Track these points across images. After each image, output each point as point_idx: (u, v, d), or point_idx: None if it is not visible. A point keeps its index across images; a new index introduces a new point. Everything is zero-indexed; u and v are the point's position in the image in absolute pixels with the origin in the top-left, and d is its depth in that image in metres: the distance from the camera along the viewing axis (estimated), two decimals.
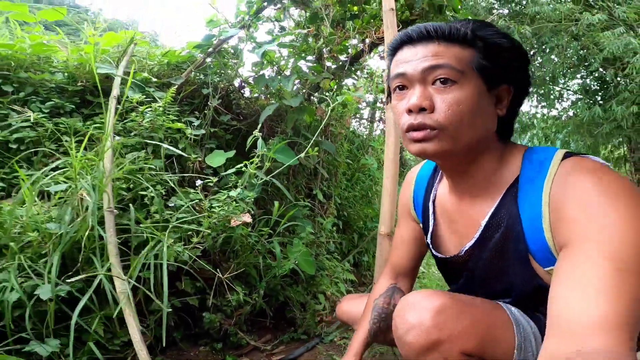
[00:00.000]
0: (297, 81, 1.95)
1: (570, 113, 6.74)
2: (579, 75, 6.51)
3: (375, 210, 2.60)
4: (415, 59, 0.61)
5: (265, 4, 1.96)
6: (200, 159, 1.65)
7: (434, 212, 0.78)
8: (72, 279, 1.01)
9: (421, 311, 0.62)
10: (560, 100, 7.32)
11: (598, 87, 6.38)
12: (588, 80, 6.45)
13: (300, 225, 1.75)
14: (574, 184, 0.55)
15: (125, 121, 1.53)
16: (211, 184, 1.46)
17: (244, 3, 1.99)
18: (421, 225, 0.84)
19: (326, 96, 1.88)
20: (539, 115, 7.41)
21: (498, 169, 0.65)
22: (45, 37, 1.78)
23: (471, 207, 0.69)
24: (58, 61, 1.70)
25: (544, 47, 6.19)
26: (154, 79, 1.72)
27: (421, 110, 0.60)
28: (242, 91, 2.00)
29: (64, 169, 1.27)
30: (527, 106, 7.59)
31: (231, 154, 1.65)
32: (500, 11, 5.97)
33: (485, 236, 0.66)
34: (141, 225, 1.23)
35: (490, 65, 0.61)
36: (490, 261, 0.67)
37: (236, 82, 2.04)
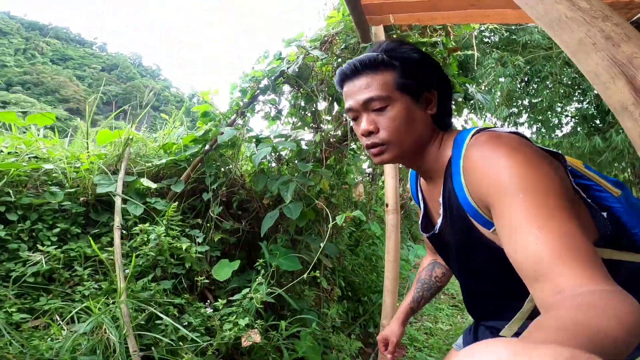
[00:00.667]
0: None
1: (571, 140, 6.57)
2: (575, 101, 6.54)
3: (380, 277, 2.68)
4: (354, 93, 0.75)
5: (258, 91, 2.01)
6: (207, 270, 1.71)
7: (423, 198, 0.90)
8: None
9: None
10: (560, 127, 7.26)
11: (595, 112, 6.40)
12: (585, 105, 6.47)
13: (307, 318, 1.83)
14: (471, 156, 0.65)
15: (130, 241, 1.58)
16: (219, 307, 1.52)
17: (237, 90, 2.03)
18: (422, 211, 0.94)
19: (328, 194, 1.94)
20: (538, 140, 7.24)
21: (439, 155, 0.77)
22: (42, 140, 1.80)
23: (434, 189, 0.81)
24: (57, 172, 1.71)
25: (538, 75, 6.19)
26: (153, 186, 1.76)
27: (370, 132, 0.74)
28: (241, 187, 2.04)
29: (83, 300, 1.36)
30: (527, 133, 7.47)
31: (236, 265, 1.71)
32: (492, 38, 5.87)
33: (446, 212, 0.76)
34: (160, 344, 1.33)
35: (409, 81, 0.73)
36: (456, 234, 0.75)
37: (236, 172, 2.09)
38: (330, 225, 1.72)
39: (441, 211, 0.77)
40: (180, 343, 1.41)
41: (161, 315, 1.40)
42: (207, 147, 1.97)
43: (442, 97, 0.78)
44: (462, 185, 0.67)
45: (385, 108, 0.73)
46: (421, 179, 0.90)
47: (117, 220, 1.49)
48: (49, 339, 1.27)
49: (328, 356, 1.97)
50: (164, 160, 1.93)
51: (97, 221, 1.66)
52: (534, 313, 0.73)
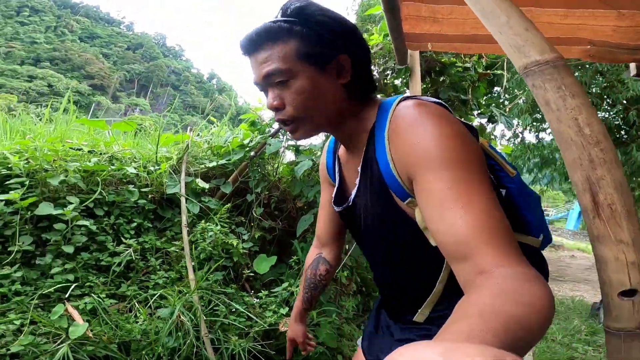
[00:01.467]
0: None
1: None
2: (602, 110, 6.36)
3: None
4: (255, 67, 0.69)
5: None
6: (248, 263, 2.03)
7: (339, 170, 0.86)
8: None
9: None
10: None
11: (621, 124, 6.34)
12: (612, 116, 6.34)
13: (328, 310, 2.14)
14: (398, 123, 0.62)
15: (190, 235, 1.90)
16: (262, 297, 1.84)
17: None
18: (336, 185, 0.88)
19: None
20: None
21: (360, 124, 0.72)
22: (119, 144, 2.13)
23: (353, 158, 0.78)
24: (132, 171, 2.04)
25: None
26: (206, 186, 2.07)
27: (277, 108, 0.69)
28: (276, 189, 2.34)
29: (157, 287, 1.69)
30: (549, 139, 7.49)
31: (273, 260, 2.02)
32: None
33: (362, 182, 0.73)
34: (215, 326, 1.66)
35: (314, 50, 0.66)
36: (373, 205, 0.72)
37: (276, 176, 2.38)
38: None
39: (357, 180, 0.75)
40: (231, 324, 1.72)
41: (218, 303, 1.71)
42: (252, 153, 2.26)
43: (357, 64, 0.70)
44: (386, 153, 0.64)
45: (288, 81, 0.66)
46: (340, 151, 0.86)
47: (184, 219, 1.81)
48: (134, 321, 1.55)
49: (342, 343, 2.28)
50: (214, 163, 2.24)
51: (163, 217, 1.99)
52: (444, 294, 0.74)
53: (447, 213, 0.52)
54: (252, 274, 2.04)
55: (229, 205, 2.01)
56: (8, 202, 1.64)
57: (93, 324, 1.50)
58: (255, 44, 0.67)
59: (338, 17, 0.69)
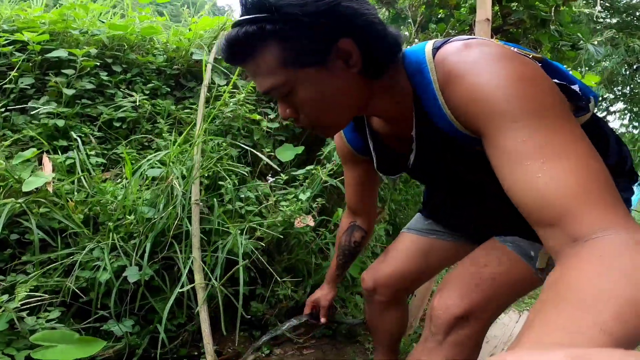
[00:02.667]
0: None
1: None
2: None
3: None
4: (252, 79, 0.62)
5: None
6: (271, 152, 1.72)
7: (377, 142, 0.78)
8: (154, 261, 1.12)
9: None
10: None
11: None
12: None
13: None
14: (449, 72, 0.52)
15: (209, 107, 1.64)
16: (281, 181, 1.51)
17: None
18: (374, 161, 0.81)
19: None
20: (627, 135, 6.48)
21: (393, 91, 0.62)
22: (152, 18, 1.96)
23: (401, 126, 0.68)
24: (160, 42, 1.85)
25: None
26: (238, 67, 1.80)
27: (293, 119, 0.62)
28: None
29: (159, 152, 1.42)
30: (616, 124, 6.69)
31: (300, 149, 1.68)
32: (607, 21, 5.26)
33: (420, 145, 0.67)
34: (215, 213, 1.34)
35: (300, 49, 0.53)
36: (441, 163, 0.68)
37: None
38: None
39: (414, 146, 0.67)
40: (235, 215, 1.39)
41: (225, 176, 1.39)
42: None
43: (364, 39, 0.55)
44: (442, 109, 0.55)
45: (290, 92, 0.56)
46: (373, 121, 0.76)
47: (207, 78, 1.54)
48: (119, 186, 1.28)
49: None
50: None
51: (185, 86, 1.76)
52: None
53: (524, 171, 0.43)
54: (271, 166, 1.72)
55: (252, 83, 1.71)
56: (23, 49, 1.51)
57: (66, 182, 1.22)
58: (234, 60, 0.57)
59: None
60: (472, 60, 0.50)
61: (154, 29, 1.81)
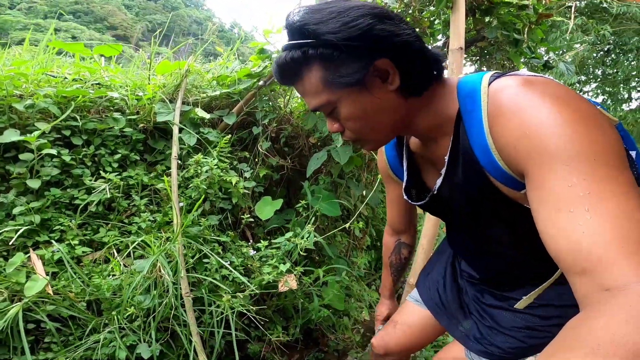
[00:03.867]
0: None
1: (637, 116, 6.41)
2: None
3: None
4: (302, 98, 0.65)
5: None
6: (250, 206, 1.76)
7: (411, 164, 0.79)
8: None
9: None
10: (628, 102, 6.83)
11: None
12: None
13: (337, 266, 1.88)
14: (502, 106, 0.52)
15: (183, 171, 1.62)
16: (261, 248, 1.57)
17: None
18: (404, 181, 0.83)
19: None
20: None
21: (436, 114, 0.63)
22: (105, 69, 1.82)
23: (437, 147, 0.69)
24: (118, 97, 1.75)
25: (622, 47, 5.71)
26: (207, 116, 1.76)
27: (339, 132, 0.66)
28: (288, 123, 2.00)
29: (140, 232, 1.44)
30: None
31: (278, 204, 1.73)
32: (578, 3, 5.38)
33: (451, 171, 0.66)
34: (204, 283, 1.41)
35: (341, 71, 0.57)
36: (467, 197, 0.66)
37: (287, 109, 2.04)
38: (379, 177, 1.67)
39: (444, 170, 0.66)
40: (222, 281, 1.46)
41: (211, 254, 1.45)
42: (261, 82, 1.91)
43: (402, 59, 0.58)
44: (487, 141, 0.54)
45: (334, 110, 0.62)
46: (412, 140, 0.77)
47: (175, 150, 1.51)
48: (109, 275, 1.34)
49: (349, 304, 2.04)
50: (217, 92, 1.91)
51: (154, 149, 1.71)
52: (556, 283, 0.71)
53: (565, 217, 0.42)
54: (253, 220, 1.77)
55: (229, 136, 1.69)
56: None
57: (60, 277, 1.28)
58: (285, 81, 0.63)
59: (350, 18, 0.54)
60: (530, 97, 0.49)
61: (110, 85, 1.70)
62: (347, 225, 1.67)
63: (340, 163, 1.71)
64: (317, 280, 1.73)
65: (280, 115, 1.96)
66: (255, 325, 1.59)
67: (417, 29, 2.07)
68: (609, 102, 7.18)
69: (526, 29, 2.02)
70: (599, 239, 0.39)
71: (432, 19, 2.11)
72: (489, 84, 0.56)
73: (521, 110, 0.49)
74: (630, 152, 0.58)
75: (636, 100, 7.26)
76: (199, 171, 1.56)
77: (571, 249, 0.41)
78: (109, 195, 1.46)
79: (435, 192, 0.72)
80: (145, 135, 1.70)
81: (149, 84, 1.71)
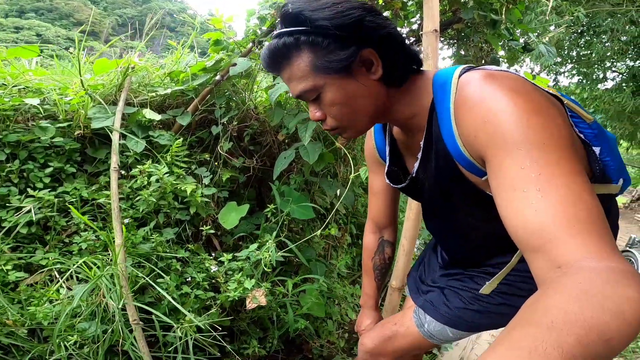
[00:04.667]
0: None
1: (613, 95, 6.54)
2: (627, 58, 6.38)
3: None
4: (287, 84, 0.66)
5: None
6: (214, 214, 1.58)
7: (394, 147, 0.83)
8: None
9: None
10: (604, 82, 6.93)
11: None
12: (637, 64, 6.26)
13: (311, 276, 1.73)
14: (466, 98, 0.56)
15: (131, 181, 1.42)
16: (225, 261, 1.40)
17: (254, 17, 1.69)
18: (386, 164, 0.87)
19: None
20: (577, 92, 7.13)
21: (413, 104, 0.68)
22: (31, 71, 1.58)
23: (412, 136, 0.74)
24: (48, 101, 1.52)
25: (596, 29, 5.80)
26: (157, 118, 1.55)
27: (321, 120, 0.68)
28: (255, 119, 1.81)
29: (81, 254, 1.27)
30: (566, 82, 7.25)
31: (244, 210, 1.56)
32: None
33: (425, 158, 0.71)
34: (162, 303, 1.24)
35: (330, 57, 0.60)
36: (435, 182, 0.70)
37: (250, 103, 1.84)
38: (352, 177, 1.51)
39: (420, 155, 0.71)
40: (185, 299, 1.32)
41: (162, 274, 1.28)
42: (217, 77, 1.71)
43: (385, 50, 0.63)
44: (453, 131, 0.58)
45: (318, 96, 0.64)
46: (394, 130, 0.82)
47: (114, 160, 1.30)
48: (47, 301, 1.18)
49: (331, 309, 1.91)
50: (169, 90, 1.69)
51: (95, 158, 1.49)
52: (518, 266, 0.76)
53: (519, 196, 0.46)
54: (221, 227, 1.59)
55: (179, 141, 1.49)
56: None
57: None
58: (273, 67, 0.65)
59: (343, 8, 0.59)
60: (491, 89, 0.53)
61: (36, 91, 1.47)
62: (317, 232, 1.51)
63: (310, 163, 1.54)
64: (294, 288, 1.57)
65: (243, 112, 1.76)
66: (230, 338, 1.44)
67: (389, 11, 1.91)
68: (584, 81, 7.26)
69: (504, 9, 1.90)
70: (549, 219, 0.42)
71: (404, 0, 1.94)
72: (460, 76, 0.59)
73: (482, 100, 0.53)
74: (594, 147, 0.62)
75: (611, 80, 7.33)
76: (148, 181, 1.36)
77: (525, 227, 0.44)
78: (35, 216, 1.26)
79: (414, 175, 0.76)
80: (83, 143, 1.48)
81: (82, 88, 1.48)
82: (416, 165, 0.74)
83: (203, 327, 1.26)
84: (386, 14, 1.94)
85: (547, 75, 7.35)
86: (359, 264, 2.42)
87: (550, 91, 0.60)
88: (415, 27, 2.06)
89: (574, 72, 7.40)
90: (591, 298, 0.34)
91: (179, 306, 1.21)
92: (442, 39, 2.25)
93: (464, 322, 0.82)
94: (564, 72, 7.51)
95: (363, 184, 2.51)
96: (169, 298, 1.21)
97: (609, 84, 7.32)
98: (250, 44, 1.74)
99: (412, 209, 1.51)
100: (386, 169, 0.85)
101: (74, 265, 1.21)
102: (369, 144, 0.93)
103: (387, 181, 0.85)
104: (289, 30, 0.61)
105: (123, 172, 1.40)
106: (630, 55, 6.27)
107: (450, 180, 0.66)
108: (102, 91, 1.58)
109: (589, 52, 6.53)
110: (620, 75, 7.02)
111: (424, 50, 1.46)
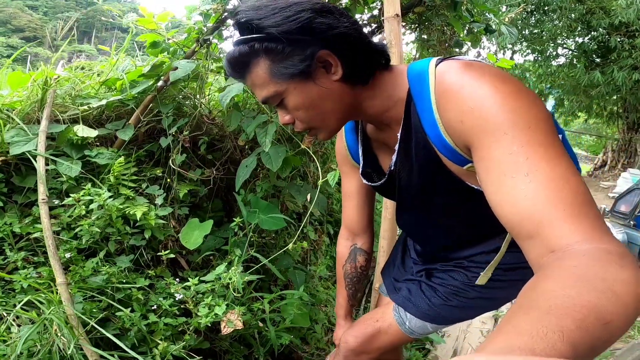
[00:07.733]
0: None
1: (567, 71, 6.94)
2: (577, 35, 6.66)
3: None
4: (252, 91, 0.66)
5: (226, 14, 1.50)
6: (174, 235, 1.43)
7: (367, 146, 0.81)
8: None
9: None
10: (556, 58, 7.26)
11: (597, 48, 6.53)
12: (587, 40, 6.59)
13: (294, 279, 1.63)
14: (448, 87, 0.56)
15: (70, 210, 1.25)
16: (191, 285, 1.26)
17: (196, 13, 1.52)
18: (360, 165, 0.85)
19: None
20: (531, 69, 7.44)
21: (386, 99, 0.66)
22: None
23: (387, 131, 0.72)
24: None
25: (545, 7, 6.03)
26: (93, 135, 1.37)
27: (290, 124, 0.67)
28: (211, 124, 1.66)
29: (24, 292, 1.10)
30: (520, 59, 7.55)
31: (208, 227, 1.42)
32: None
33: (402, 152, 0.69)
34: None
35: (286, 63, 0.59)
36: (417, 174, 0.69)
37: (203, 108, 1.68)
38: (320, 182, 1.40)
39: (397, 147, 0.69)
40: (153, 328, 1.19)
41: (121, 308, 1.13)
42: (160, 82, 1.54)
43: (343, 49, 0.61)
44: (435, 120, 0.58)
45: (282, 101, 0.64)
46: (368, 125, 0.79)
47: (41, 191, 1.12)
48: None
49: (317, 315, 1.82)
50: (104, 101, 1.50)
51: (24, 187, 1.30)
52: (508, 254, 0.75)
53: (509, 183, 0.46)
54: (179, 249, 1.45)
55: (122, 159, 1.32)
56: None
57: None
58: (235, 75, 0.66)
59: (291, 12, 0.58)
60: (471, 76, 0.54)
61: None
62: (289, 246, 1.40)
63: (274, 170, 1.42)
64: (274, 301, 1.46)
65: (195, 118, 1.60)
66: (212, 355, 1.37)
67: None
68: (538, 59, 7.58)
69: None
70: (539, 203, 0.43)
71: None
72: (436, 66, 0.59)
73: (464, 87, 0.53)
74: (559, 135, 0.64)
75: (563, 56, 7.72)
76: (87, 210, 1.19)
77: (517, 214, 0.45)
78: None
79: (391, 169, 0.74)
80: (9, 172, 1.29)
81: None
82: (394, 157, 0.72)
83: (178, 354, 1.14)
84: (345, 0, 1.84)
85: (504, 54, 7.58)
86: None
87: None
88: (375, 12, 1.98)
89: (529, 50, 7.67)
90: (587, 282, 0.34)
91: (147, 336, 1.08)
92: (403, 23, 2.18)
93: (443, 317, 0.83)
94: (519, 51, 7.75)
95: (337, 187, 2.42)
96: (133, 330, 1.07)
97: (562, 60, 7.70)
98: (195, 44, 1.57)
99: (388, 208, 1.43)
100: (361, 169, 0.83)
101: (19, 302, 1.06)
102: (340, 145, 0.91)
103: (364, 181, 0.83)
104: (243, 38, 0.60)
105: (57, 201, 1.22)
106: (579, 32, 6.52)
107: (430, 170, 0.65)
108: (20, 109, 1.37)
109: (540, 30, 6.84)
110: (571, 52, 7.41)
111: (387, 36, 1.39)
